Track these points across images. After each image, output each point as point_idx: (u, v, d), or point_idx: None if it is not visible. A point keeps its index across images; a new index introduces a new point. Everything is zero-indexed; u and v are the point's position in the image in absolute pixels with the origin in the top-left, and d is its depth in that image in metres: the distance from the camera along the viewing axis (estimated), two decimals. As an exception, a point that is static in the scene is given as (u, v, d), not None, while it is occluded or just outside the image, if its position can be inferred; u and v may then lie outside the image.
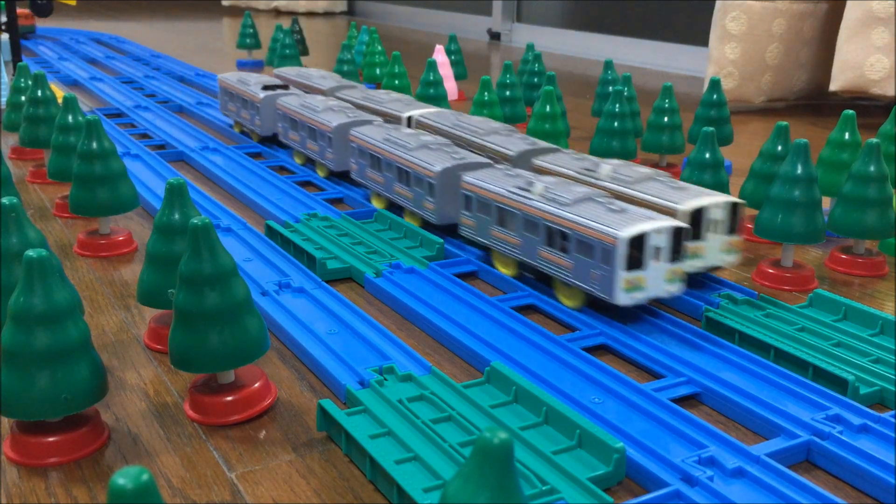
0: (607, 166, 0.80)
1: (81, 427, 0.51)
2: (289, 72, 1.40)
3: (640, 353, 0.63)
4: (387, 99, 1.14)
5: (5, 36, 1.59)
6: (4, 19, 1.53)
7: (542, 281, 0.75)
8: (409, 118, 1.07)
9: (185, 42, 2.58)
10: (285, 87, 1.25)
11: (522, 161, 0.88)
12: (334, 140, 1.02)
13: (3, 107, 1.27)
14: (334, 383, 0.58)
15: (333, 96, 1.23)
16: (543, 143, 0.91)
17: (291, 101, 1.15)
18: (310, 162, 1.14)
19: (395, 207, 0.95)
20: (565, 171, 0.83)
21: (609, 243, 0.64)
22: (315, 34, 2.85)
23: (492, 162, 0.86)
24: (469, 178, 0.79)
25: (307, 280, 0.74)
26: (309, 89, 1.31)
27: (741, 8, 1.54)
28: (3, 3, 1.55)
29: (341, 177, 1.07)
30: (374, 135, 0.95)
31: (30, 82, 1.05)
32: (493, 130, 0.95)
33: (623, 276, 0.64)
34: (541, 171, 0.85)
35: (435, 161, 0.84)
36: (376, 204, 0.95)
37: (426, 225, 0.88)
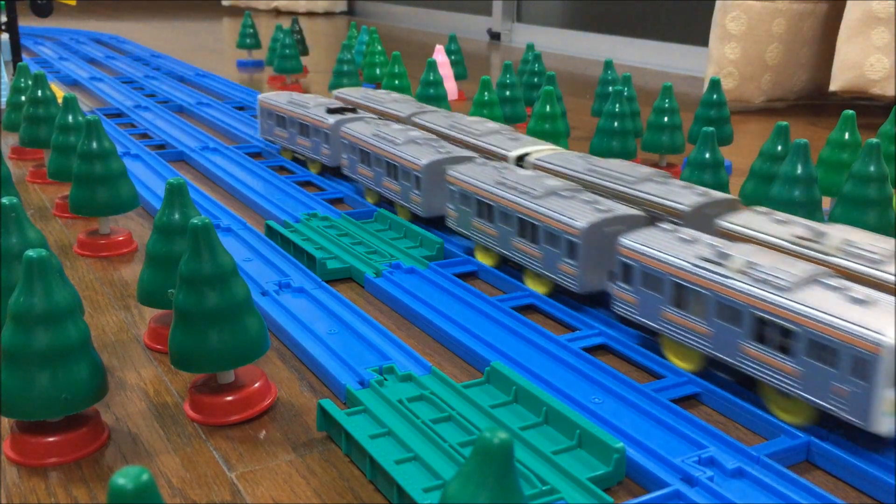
0: (836, 235, 0.61)
1: (81, 427, 0.51)
2: (352, 93, 1.21)
3: (640, 353, 0.63)
4: (482, 130, 0.95)
5: (5, 36, 1.59)
6: (5, 19, 1.53)
7: (745, 384, 0.58)
8: (521, 158, 0.88)
9: (185, 42, 2.58)
10: (353, 110, 1.08)
11: (697, 219, 0.69)
12: (423, 181, 0.85)
13: (3, 107, 1.27)
14: (334, 383, 0.58)
15: (412, 124, 1.06)
16: (717, 194, 0.72)
17: (360, 128, 0.98)
18: (386, 202, 0.96)
19: (509, 265, 0.80)
20: (767, 237, 0.63)
21: (868, 351, 0.48)
22: (315, 34, 2.85)
23: (644, 215, 0.70)
24: (631, 242, 0.62)
25: (307, 280, 0.74)
26: (380, 115, 1.12)
27: (741, 8, 1.54)
28: (2, 3, 1.55)
29: (432, 223, 0.89)
30: (481, 177, 0.78)
31: (30, 82, 1.05)
32: (646, 177, 0.76)
33: (888, 396, 0.48)
34: (728, 236, 0.65)
35: (576, 214, 0.68)
36: (483, 259, 0.80)
37: (559, 290, 0.73)
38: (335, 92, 1.23)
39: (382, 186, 0.93)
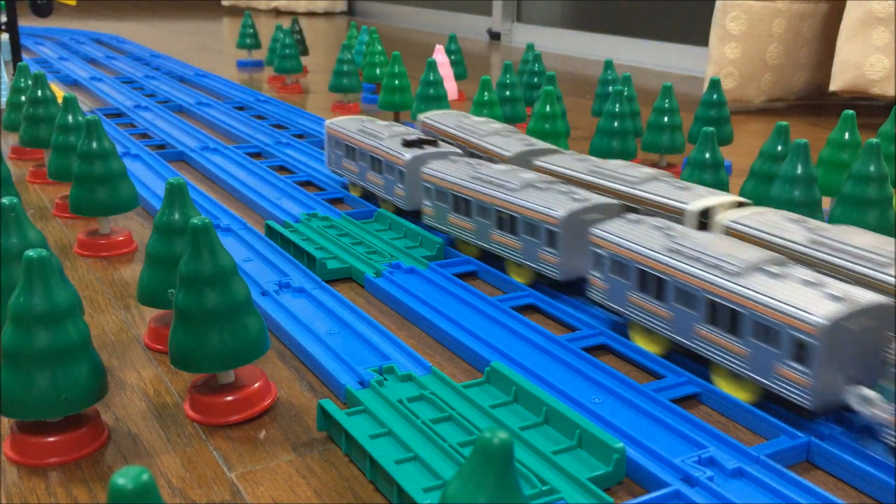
0: None
1: (81, 427, 0.51)
2: (443, 120, 1.02)
3: (639, 352, 0.63)
4: (638, 176, 0.76)
5: (5, 36, 1.59)
6: (5, 19, 1.53)
7: None
8: (704, 214, 0.69)
9: (185, 42, 2.58)
10: (433, 142, 0.91)
11: None
12: (562, 237, 0.69)
13: (3, 107, 1.27)
14: (334, 383, 0.58)
15: (530, 167, 0.85)
16: None
17: (449, 169, 0.81)
18: (491, 258, 0.80)
19: (689, 356, 0.62)
20: None
21: None
22: (315, 34, 2.85)
23: (892, 302, 0.53)
24: None
25: (307, 280, 0.74)
26: (474, 149, 0.93)
27: (741, 8, 1.54)
28: (2, 3, 1.55)
29: (567, 289, 0.74)
30: (644, 240, 0.62)
31: (30, 82, 1.05)
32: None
33: None
34: None
35: (804, 301, 0.52)
36: (646, 344, 0.63)
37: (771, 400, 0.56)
38: (422, 116, 1.05)
39: (490, 241, 0.77)
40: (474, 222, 0.78)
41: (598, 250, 0.65)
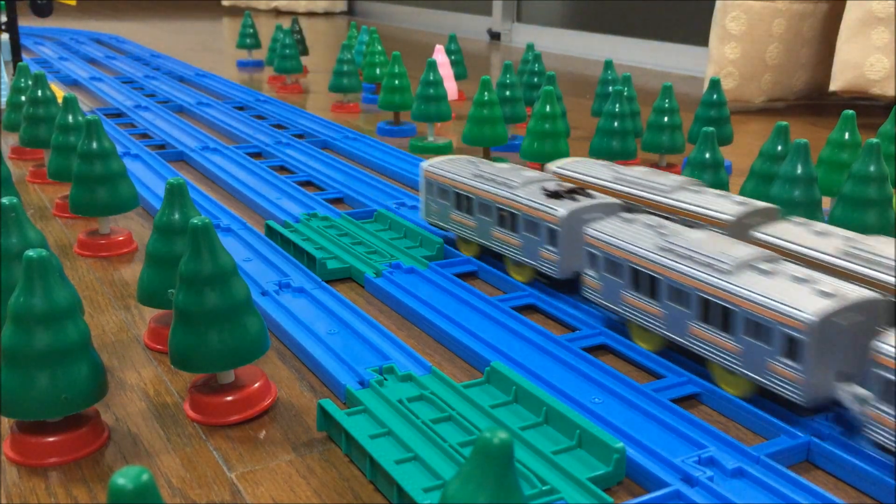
0: None
1: (81, 427, 0.51)
2: (585, 169, 0.81)
3: (639, 352, 0.63)
4: None
5: (5, 36, 1.59)
6: (5, 19, 1.53)
7: None
8: None
9: (185, 42, 2.58)
10: (581, 191, 0.72)
11: None
12: (810, 347, 0.51)
13: (3, 107, 1.27)
14: (334, 383, 0.58)
15: (741, 233, 0.65)
16: None
17: (627, 233, 0.63)
18: (688, 357, 0.62)
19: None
20: None
21: None
22: (315, 34, 2.85)
23: None
24: None
25: (307, 280, 0.74)
26: (656, 209, 0.72)
27: (741, 8, 1.54)
28: (2, 3, 1.55)
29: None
30: None
31: (30, 82, 1.05)
32: None
33: None
34: None
35: None
36: None
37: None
38: (551, 166, 0.84)
39: (688, 335, 0.58)
40: (664, 308, 0.60)
41: (884, 373, 0.47)
